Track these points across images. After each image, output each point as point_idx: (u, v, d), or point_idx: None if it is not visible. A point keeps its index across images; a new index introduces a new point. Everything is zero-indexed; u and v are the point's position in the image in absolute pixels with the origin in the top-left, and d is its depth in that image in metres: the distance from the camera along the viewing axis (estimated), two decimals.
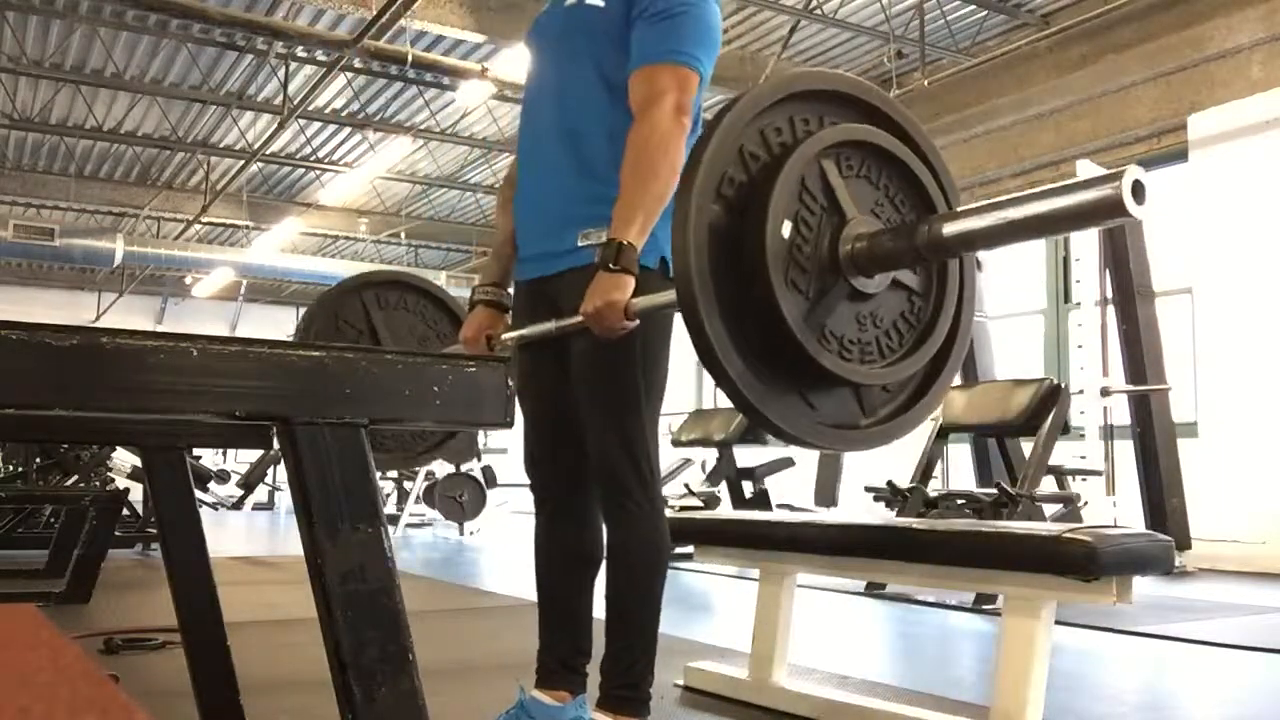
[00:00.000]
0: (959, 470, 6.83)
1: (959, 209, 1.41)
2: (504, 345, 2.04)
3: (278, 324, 18.20)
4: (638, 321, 1.74)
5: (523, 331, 1.98)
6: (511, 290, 2.16)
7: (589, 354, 1.88)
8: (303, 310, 18.40)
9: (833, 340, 1.33)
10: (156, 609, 3.19)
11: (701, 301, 1.27)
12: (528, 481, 2.10)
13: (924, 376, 1.45)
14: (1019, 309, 8.34)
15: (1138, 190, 1.13)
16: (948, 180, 1.50)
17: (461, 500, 8.62)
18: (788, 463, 6.63)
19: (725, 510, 6.10)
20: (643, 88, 1.81)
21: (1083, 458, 5.82)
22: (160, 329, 3.64)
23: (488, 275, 2.16)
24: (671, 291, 1.51)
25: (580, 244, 1.89)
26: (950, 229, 1.31)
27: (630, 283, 1.70)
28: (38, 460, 6.76)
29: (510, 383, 1.19)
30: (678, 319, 1.98)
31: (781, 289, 1.28)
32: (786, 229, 1.30)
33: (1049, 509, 4.95)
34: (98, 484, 6.58)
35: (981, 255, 7.13)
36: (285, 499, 12.74)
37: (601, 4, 1.91)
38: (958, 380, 6.88)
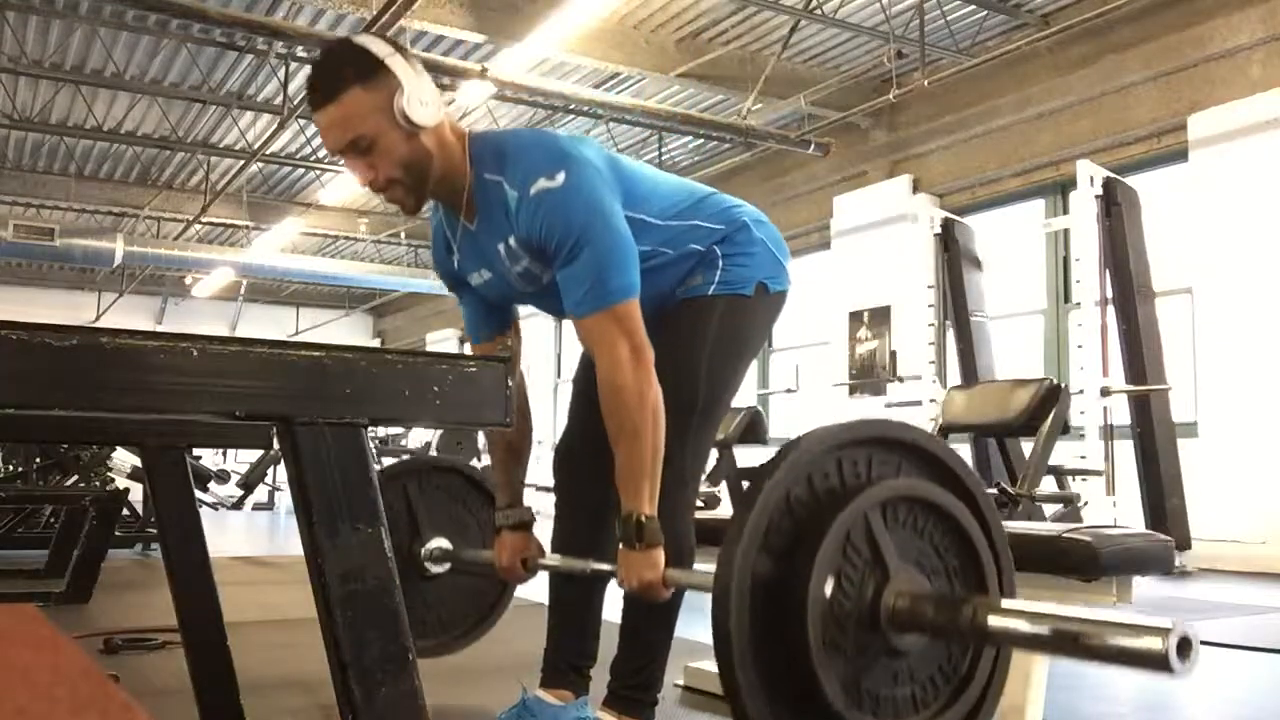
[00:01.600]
0: None
1: (1006, 602, 1.37)
2: (538, 567, 2.07)
3: (278, 324, 18.20)
4: (673, 590, 1.77)
5: (558, 564, 2.01)
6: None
7: (657, 352, 1.86)
8: (303, 310, 18.46)
9: (869, 700, 1.32)
10: (156, 609, 3.19)
11: (737, 651, 1.27)
12: (553, 482, 2.12)
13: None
14: (1019, 309, 8.34)
15: (1184, 648, 1.13)
16: (1003, 548, 1.47)
17: None
18: None
19: (725, 510, 6.09)
20: (589, 339, 1.82)
21: (1083, 458, 5.82)
22: (160, 329, 3.64)
23: (503, 498, 2.15)
24: (705, 577, 1.48)
25: (680, 295, 1.98)
26: (995, 623, 1.29)
27: (660, 556, 1.73)
28: (38, 460, 6.75)
29: (510, 383, 1.19)
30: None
31: (819, 651, 1.27)
32: (829, 586, 1.30)
33: (1049, 509, 4.95)
34: (98, 484, 6.58)
35: (981, 255, 7.15)
36: (285, 499, 12.73)
37: (537, 270, 1.88)
38: (957, 380, 6.90)
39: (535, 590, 2.11)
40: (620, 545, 1.77)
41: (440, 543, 2.47)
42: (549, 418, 12.05)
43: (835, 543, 1.29)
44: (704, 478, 7.07)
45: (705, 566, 1.58)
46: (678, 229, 1.96)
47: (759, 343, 2.07)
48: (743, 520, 1.29)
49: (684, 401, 1.89)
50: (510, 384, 1.19)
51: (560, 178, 1.77)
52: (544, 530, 2.11)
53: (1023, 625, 1.25)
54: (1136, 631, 1.14)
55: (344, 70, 1.71)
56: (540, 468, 2.35)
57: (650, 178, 2.01)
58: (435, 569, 2.47)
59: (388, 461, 10.67)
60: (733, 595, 1.26)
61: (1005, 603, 1.36)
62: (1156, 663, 1.12)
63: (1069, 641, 1.20)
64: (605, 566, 1.84)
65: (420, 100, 1.73)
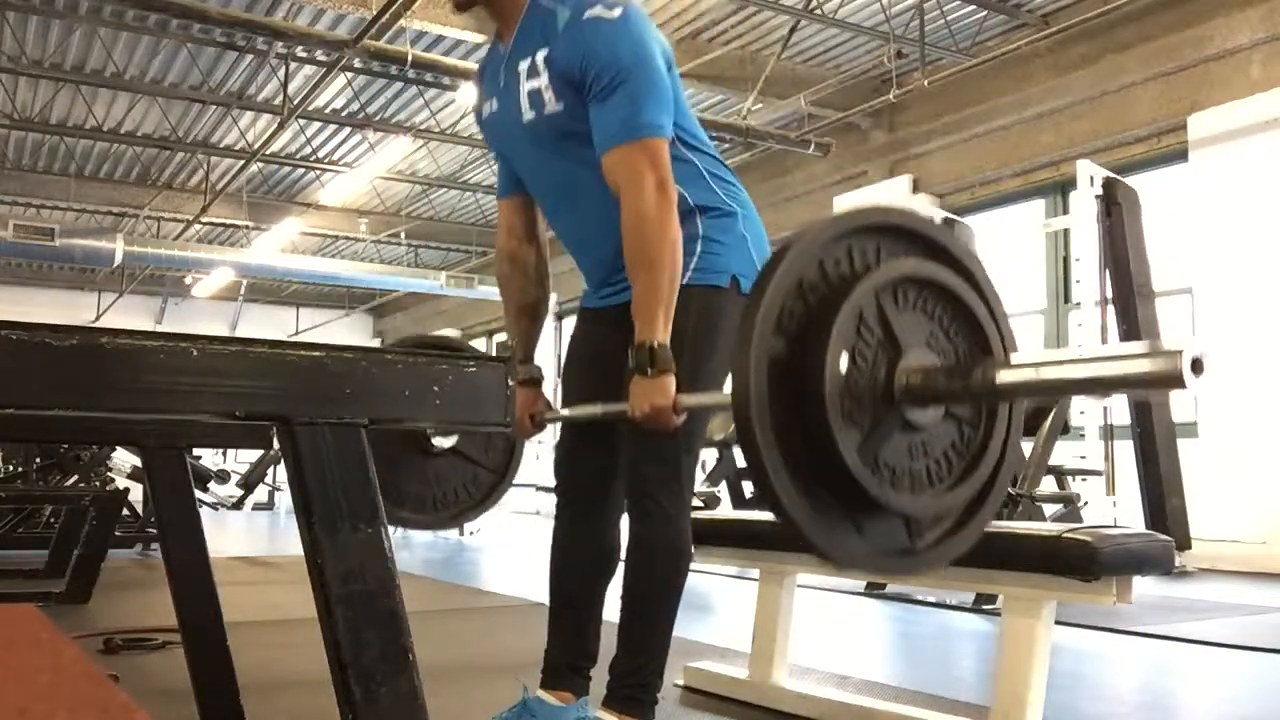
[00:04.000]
0: None
1: (1014, 358, 1.42)
2: (547, 421, 2.07)
3: (278, 324, 18.20)
4: (685, 415, 1.75)
5: (567, 413, 2.01)
6: (538, 361, 2.19)
7: None
8: (303, 310, 18.46)
9: (886, 471, 1.35)
10: (156, 609, 3.19)
11: (759, 430, 1.29)
12: (543, 482, 2.12)
13: (969, 504, 1.47)
14: (1019, 309, 8.34)
15: (1197, 365, 1.17)
16: (1004, 320, 1.52)
17: None
18: None
19: (725, 510, 6.10)
20: (618, 172, 1.81)
21: (1083, 458, 5.82)
22: (160, 329, 3.64)
23: (516, 354, 2.17)
24: (723, 396, 1.51)
25: None
26: (1005, 377, 1.34)
27: (671, 382, 1.73)
28: (38, 460, 6.76)
29: (510, 383, 1.19)
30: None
31: (838, 422, 1.30)
32: (844, 362, 1.32)
33: (1049, 509, 4.95)
34: (98, 484, 6.58)
35: (981, 255, 7.15)
36: (285, 499, 12.74)
37: (560, 107, 1.87)
38: None
39: (535, 590, 2.11)
40: (633, 374, 1.75)
41: None
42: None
43: (849, 321, 1.33)
44: (704, 478, 7.10)
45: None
46: (683, 155, 1.93)
47: (725, 327, 2.01)
48: (756, 304, 1.31)
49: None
50: (510, 384, 1.19)
51: (617, 12, 1.81)
52: (544, 529, 2.11)
53: (1031, 375, 1.30)
54: (1149, 358, 1.18)
55: None
56: (539, 467, 2.35)
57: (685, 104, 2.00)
58: (440, 444, 2.45)
59: None
60: (751, 376, 1.29)
61: (1013, 358, 1.42)
62: (1172, 381, 1.16)
63: (1085, 384, 1.24)
64: (616, 407, 1.81)
65: None
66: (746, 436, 1.30)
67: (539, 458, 2.27)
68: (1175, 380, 1.17)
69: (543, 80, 1.86)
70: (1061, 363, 1.32)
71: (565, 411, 2.03)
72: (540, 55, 1.86)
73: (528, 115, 1.92)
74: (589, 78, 1.80)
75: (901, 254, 1.45)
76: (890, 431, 1.35)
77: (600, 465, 2.03)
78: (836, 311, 1.32)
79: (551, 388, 2.21)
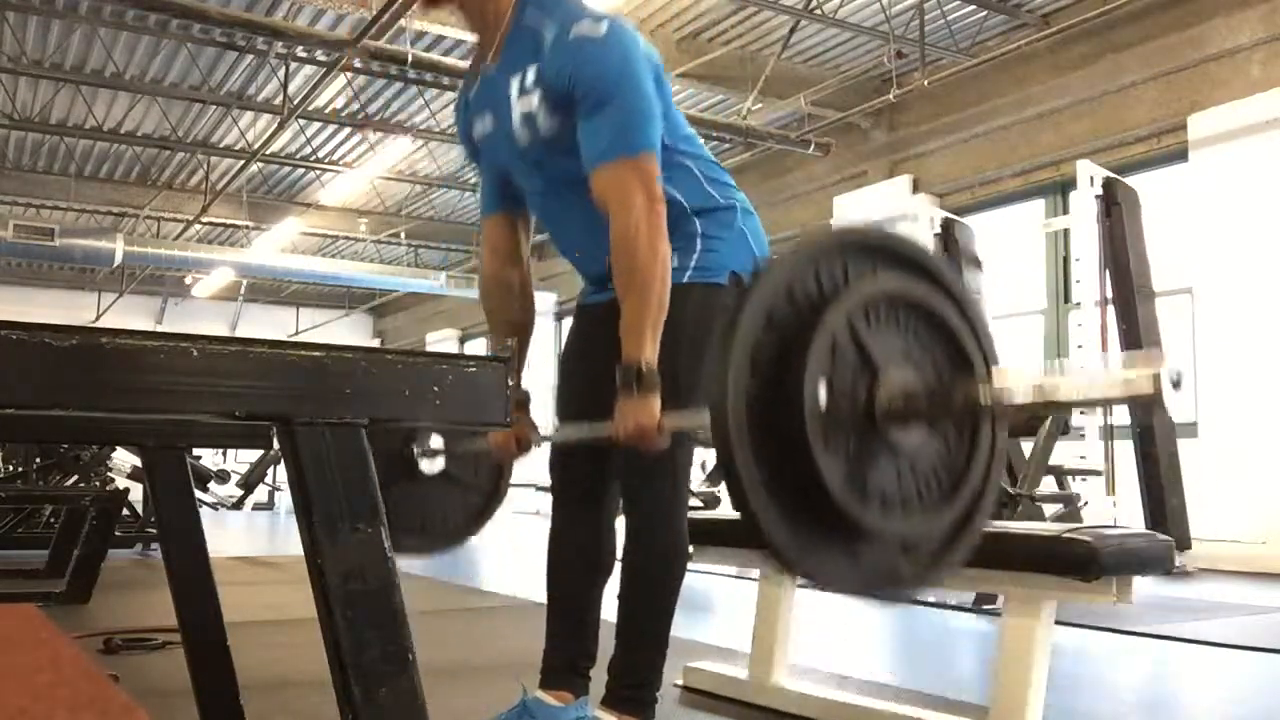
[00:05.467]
0: None
1: (998, 376, 1.41)
2: (538, 441, 2.07)
3: (278, 324, 18.20)
4: (669, 440, 1.75)
5: (555, 435, 2.02)
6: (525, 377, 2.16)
7: None
8: (303, 310, 18.46)
9: (875, 497, 1.34)
10: (156, 609, 3.19)
11: (743, 471, 1.28)
12: (539, 480, 2.12)
13: (963, 513, 1.46)
14: (1019, 309, 8.34)
15: (1177, 382, 1.17)
16: (984, 331, 1.51)
17: None
18: None
19: (725, 510, 6.10)
20: (606, 190, 1.80)
21: (1083, 458, 5.82)
22: (160, 329, 3.64)
23: None
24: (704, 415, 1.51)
25: None
26: (989, 397, 1.34)
27: (656, 403, 1.72)
28: (38, 460, 6.76)
29: (510, 383, 1.19)
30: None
31: (822, 454, 1.29)
32: (823, 392, 1.31)
33: (1049, 509, 4.95)
34: (98, 484, 6.58)
35: (981, 255, 7.15)
36: (285, 499, 12.74)
37: (553, 126, 1.86)
38: None
39: (535, 590, 2.11)
40: (619, 394, 1.74)
41: (434, 441, 2.46)
42: (549, 418, 12.03)
43: (823, 349, 1.31)
44: (704, 478, 7.08)
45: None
46: (679, 164, 1.94)
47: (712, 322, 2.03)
48: (728, 345, 1.30)
49: (666, 396, 1.89)
50: (510, 384, 1.19)
51: (603, 29, 1.80)
52: (544, 529, 2.11)
53: (1014, 393, 1.30)
54: (1128, 378, 1.17)
55: None
56: (539, 467, 2.35)
57: (677, 111, 2.01)
58: (427, 468, 2.44)
59: None
60: (729, 418, 1.28)
61: (994, 375, 1.41)
62: (1153, 399, 1.16)
63: (1064, 403, 1.25)
64: (603, 427, 1.80)
65: None
66: (730, 474, 1.28)
67: (535, 458, 2.28)
68: (1155, 399, 1.16)
69: (534, 101, 1.86)
70: (1042, 381, 1.31)
71: (553, 434, 2.02)
72: (530, 74, 1.85)
73: (522, 138, 1.91)
74: (576, 96, 1.80)
75: (870, 271, 1.43)
76: (876, 456, 1.34)
77: (595, 464, 2.03)
78: (810, 341, 1.31)
79: (552, 389, 2.21)
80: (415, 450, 2.43)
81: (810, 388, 1.29)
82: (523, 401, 2.10)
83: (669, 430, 1.73)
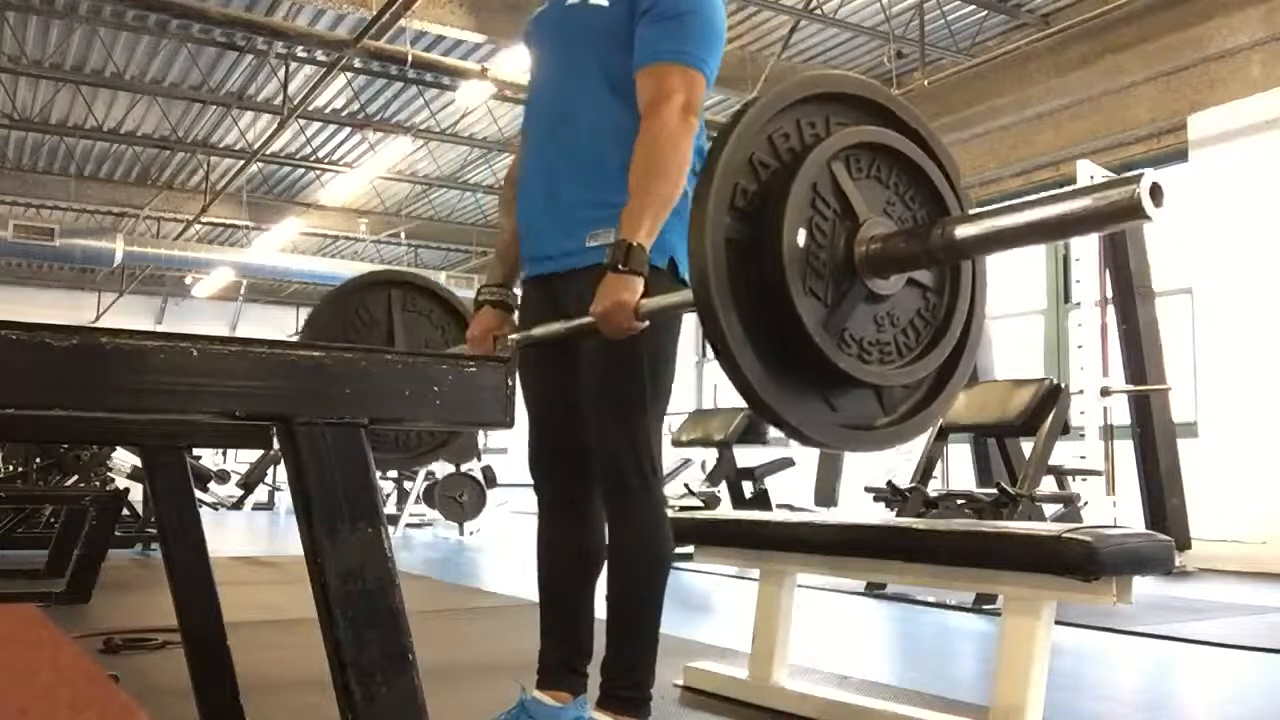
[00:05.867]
0: (959, 470, 6.83)
1: (973, 211, 1.41)
2: (510, 345, 2.03)
3: (278, 324, 18.19)
4: (647, 322, 1.73)
5: (530, 333, 1.98)
6: (518, 290, 2.15)
7: (597, 352, 1.88)
8: (303, 310, 18.45)
9: (852, 344, 1.33)
10: (156, 609, 3.19)
11: (720, 310, 1.27)
12: (530, 480, 2.11)
13: (939, 371, 1.45)
14: (1019, 309, 8.34)
15: (1156, 193, 1.13)
16: (957, 180, 1.51)
17: (461, 500, 8.61)
18: (788, 463, 6.63)
19: (725, 510, 6.10)
20: (651, 86, 1.81)
21: (1083, 458, 5.82)
22: (160, 329, 3.64)
23: (493, 276, 2.16)
24: (683, 292, 1.50)
25: (589, 244, 1.89)
26: (964, 231, 1.32)
27: (640, 283, 1.71)
28: (38, 460, 6.76)
29: (510, 382, 1.19)
30: (686, 321, 1.99)
31: (800, 297, 1.28)
32: (801, 237, 1.30)
33: (1049, 509, 4.95)
34: (98, 484, 6.58)
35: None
36: (285, 499, 12.73)
37: (605, 3, 1.90)
38: None
39: (534, 590, 2.11)
40: (605, 271, 1.72)
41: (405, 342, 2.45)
42: None
43: (803, 194, 1.31)
44: (704, 478, 7.06)
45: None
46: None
47: (677, 325, 1.98)
48: (707, 184, 1.29)
49: (635, 394, 1.89)
50: (510, 384, 1.19)
51: None
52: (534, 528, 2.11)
53: (991, 225, 1.28)
54: (1109, 186, 1.15)
55: None
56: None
57: None
58: None
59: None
60: (709, 256, 1.27)
61: (972, 212, 1.39)
62: (1131, 211, 1.12)
63: (1046, 225, 1.22)
64: (580, 321, 1.78)
65: None
66: (709, 318, 1.28)
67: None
68: (1136, 210, 1.13)
69: None
70: (1019, 207, 1.29)
71: (528, 333, 1.98)
72: None
73: (568, 16, 1.94)
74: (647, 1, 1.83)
75: (851, 122, 1.42)
76: (854, 303, 1.33)
77: (573, 461, 2.03)
78: (789, 186, 1.30)
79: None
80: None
81: (790, 232, 1.28)
82: (506, 303, 2.12)
83: (646, 312, 1.70)
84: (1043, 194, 1.24)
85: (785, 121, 1.37)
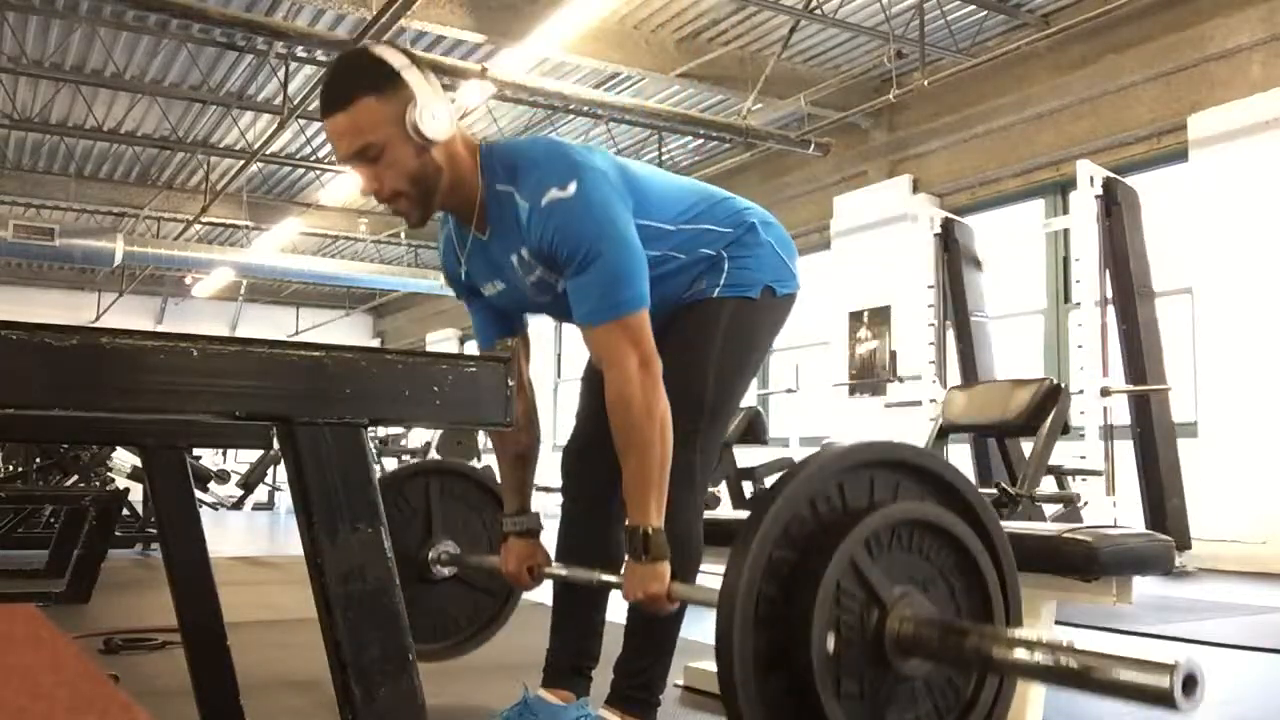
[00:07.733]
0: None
1: (1014, 633, 1.36)
2: (545, 575, 2.06)
3: (278, 324, 18.20)
4: (679, 603, 1.76)
5: (565, 573, 2.01)
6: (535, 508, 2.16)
7: (665, 355, 1.86)
8: (303, 310, 18.45)
9: None
10: (156, 609, 3.19)
11: (744, 702, 1.27)
12: (560, 483, 2.11)
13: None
14: (1019, 309, 8.34)
15: (1189, 684, 1.12)
16: (1013, 582, 1.46)
17: None
18: (788, 463, 6.63)
19: (725, 510, 6.10)
20: (599, 350, 1.81)
21: (1083, 458, 5.81)
22: (160, 329, 3.64)
23: (510, 505, 2.14)
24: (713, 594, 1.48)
25: (684, 295, 1.98)
26: (1000, 655, 1.29)
27: (665, 569, 1.72)
28: (38, 460, 6.75)
29: (510, 383, 1.19)
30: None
31: (832, 705, 1.28)
32: (830, 642, 1.30)
33: (1049, 509, 4.94)
34: (98, 484, 6.58)
35: (981, 255, 7.15)
36: (285, 499, 12.73)
37: (539, 276, 1.87)
38: (957, 380, 6.89)
39: (535, 590, 2.11)
40: (626, 558, 1.76)
41: (448, 546, 2.47)
42: (549, 418, 12.04)
43: (828, 596, 1.29)
44: None
45: (714, 569, 1.56)
46: (689, 233, 1.96)
47: (766, 345, 2.07)
48: (742, 560, 1.27)
49: (692, 404, 1.89)
50: (510, 384, 1.19)
51: (572, 188, 1.76)
52: (550, 532, 2.11)
53: (1028, 656, 1.25)
54: (1143, 667, 1.13)
55: (358, 78, 1.71)
56: (543, 468, 2.35)
57: (662, 183, 2.01)
58: (441, 572, 2.47)
59: (388, 462, 10.66)
60: (736, 665, 1.26)
61: (1011, 632, 1.35)
62: (1162, 699, 1.11)
63: (1075, 675, 1.20)
64: (611, 578, 1.83)
65: (433, 114, 1.72)
66: (728, 693, 1.26)
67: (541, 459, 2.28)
68: (1165, 698, 1.12)
69: (539, 271, 1.86)
70: (1061, 650, 1.26)
71: (563, 570, 2.02)
72: (524, 251, 1.85)
73: (542, 298, 1.93)
74: (560, 258, 1.79)
75: (892, 488, 1.39)
76: (889, 690, 1.31)
77: (612, 463, 2.03)
78: (816, 587, 1.27)
79: (552, 389, 2.20)
80: (428, 555, 2.46)
81: (818, 638, 1.25)
82: (534, 530, 2.10)
83: (678, 599, 1.74)
84: (1086, 650, 1.22)
85: (828, 485, 1.34)
